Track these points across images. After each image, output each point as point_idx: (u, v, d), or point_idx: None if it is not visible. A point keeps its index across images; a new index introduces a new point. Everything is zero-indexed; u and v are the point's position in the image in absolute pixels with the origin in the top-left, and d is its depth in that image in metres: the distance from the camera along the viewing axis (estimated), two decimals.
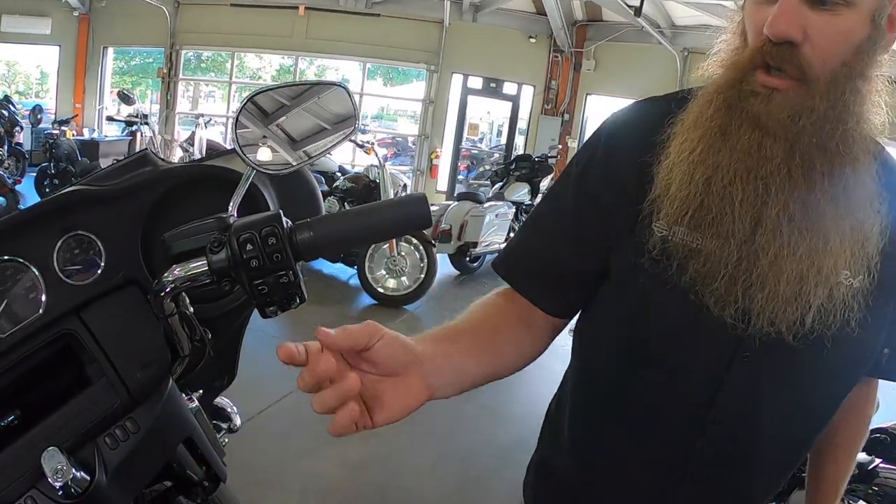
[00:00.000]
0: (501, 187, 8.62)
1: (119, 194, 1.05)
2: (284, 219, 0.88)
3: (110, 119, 10.14)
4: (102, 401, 0.96)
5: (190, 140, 9.99)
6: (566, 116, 10.97)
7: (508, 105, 12.22)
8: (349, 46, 11.70)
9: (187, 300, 1.01)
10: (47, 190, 8.55)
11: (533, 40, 10.78)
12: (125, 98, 9.11)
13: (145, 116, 9.19)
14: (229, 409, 1.48)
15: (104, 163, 9.34)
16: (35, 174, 8.86)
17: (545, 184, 8.97)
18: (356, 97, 1.17)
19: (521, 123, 12.09)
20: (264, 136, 1.07)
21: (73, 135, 9.86)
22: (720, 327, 0.93)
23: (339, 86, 1.11)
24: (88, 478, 0.89)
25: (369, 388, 0.83)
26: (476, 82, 12.00)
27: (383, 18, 11.38)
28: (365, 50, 11.93)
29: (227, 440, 1.45)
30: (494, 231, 7.44)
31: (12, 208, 5.46)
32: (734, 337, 0.94)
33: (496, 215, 7.53)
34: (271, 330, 4.81)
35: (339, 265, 6.90)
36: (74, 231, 1.01)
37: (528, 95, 11.63)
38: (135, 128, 9.51)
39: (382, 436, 3.80)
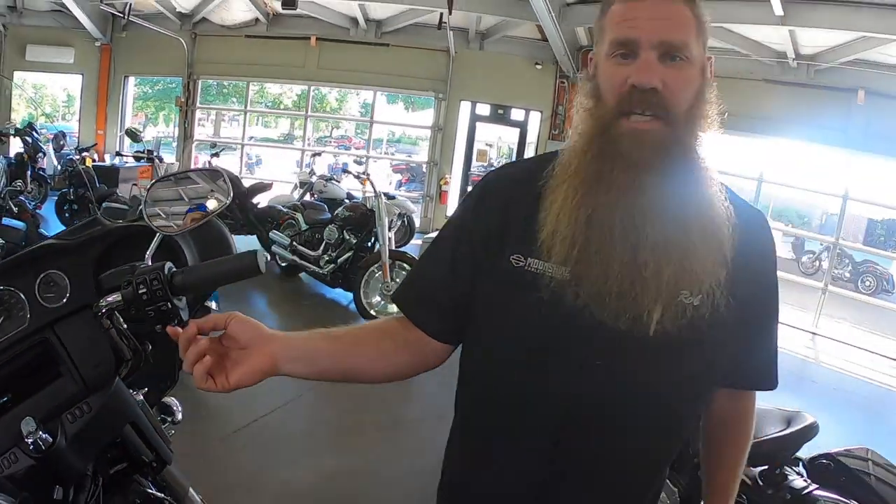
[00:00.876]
0: None
1: (78, 246, 1.45)
2: (168, 266, 1.32)
3: (118, 154, 10.50)
4: (67, 388, 1.35)
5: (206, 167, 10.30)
6: None
7: (516, 131, 12.36)
8: (359, 76, 12.01)
9: (120, 319, 1.39)
10: (66, 215, 8.84)
11: (539, 67, 10.87)
12: (133, 135, 9.53)
13: (150, 152, 9.52)
14: (174, 407, 1.80)
15: (124, 187, 9.67)
16: (56, 199, 9.17)
17: None
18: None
19: (530, 149, 12.19)
20: (165, 209, 1.47)
21: (93, 161, 10.23)
22: (583, 333, 1.15)
23: (219, 171, 1.53)
24: (52, 439, 1.26)
25: (231, 357, 1.19)
26: (484, 109, 12.13)
27: (392, 48, 11.64)
28: (375, 79, 12.21)
29: (173, 431, 1.78)
30: None
31: (32, 233, 5.70)
32: (595, 340, 1.15)
33: None
34: None
35: (339, 290, 7.14)
36: (50, 270, 1.40)
37: (535, 121, 11.68)
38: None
39: (357, 450, 4.06)
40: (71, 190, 9.10)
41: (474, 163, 12.82)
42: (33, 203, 8.71)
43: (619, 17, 1.15)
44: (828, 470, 2.47)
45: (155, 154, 10.81)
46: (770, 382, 1.36)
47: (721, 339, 1.19)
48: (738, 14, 7.64)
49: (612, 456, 1.24)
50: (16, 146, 10.85)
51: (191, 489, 1.74)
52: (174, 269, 1.33)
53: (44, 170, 10.50)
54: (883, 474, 2.41)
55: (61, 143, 11.19)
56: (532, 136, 11.94)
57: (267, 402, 4.62)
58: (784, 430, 2.51)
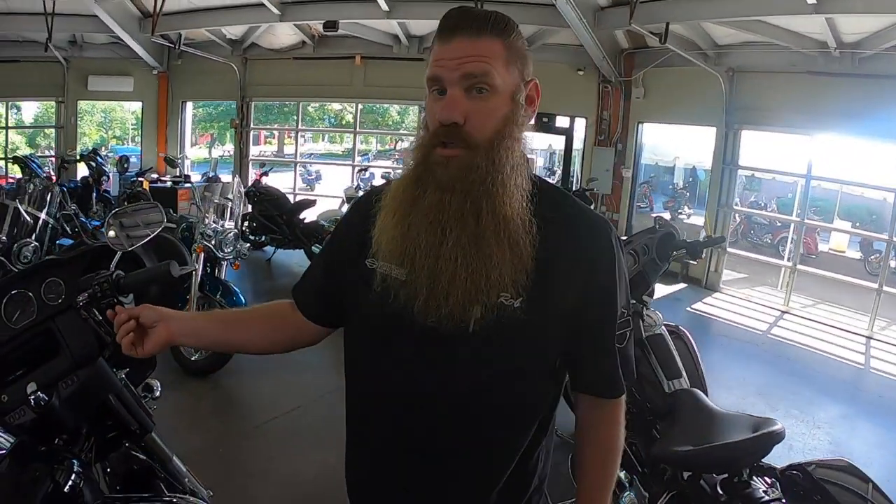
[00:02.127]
0: None
1: (70, 259, 1.93)
2: (117, 273, 1.81)
3: (156, 181, 10.99)
4: (62, 364, 1.80)
5: (254, 184, 10.74)
6: (619, 146, 10.91)
7: (562, 139, 12.29)
8: (404, 91, 12.13)
9: (96, 312, 1.83)
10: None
11: (581, 73, 10.76)
12: (171, 162, 10.08)
13: (187, 177, 9.96)
14: (154, 387, 2.23)
15: (182, 206, 10.15)
16: None
17: None
18: None
19: (577, 156, 12.13)
20: (122, 231, 2.01)
21: (151, 183, 10.73)
22: (415, 330, 1.32)
23: (157, 205, 2.14)
24: (47, 399, 1.71)
25: (144, 332, 1.58)
26: None
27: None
28: (419, 93, 12.07)
29: (155, 406, 2.18)
30: None
31: None
32: (425, 336, 1.32)
33: None
34: (303, 356, 5.43)
35: None
36: (51, 278, 1.87)
37: (581, 128, 11.54)
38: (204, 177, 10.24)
39: None
40: None
41: None
42: (99, 222, 9.16)
43: (434, 57, 1.32)
44: (795, 481, 2.37)
45: (212, 174, 11.31)
46: (611, 390, 1.46)
47: (543, 337, 1.36)
48: (769, 5, 7.46)
49: (456, 444, 1.39)
50: (84, 170, 11.46)
51: (175, 457, 2.18)
52: (121, 275, 1.82)
53: (108, 191, 11.06)
54: (859, 488, 2.27)
55: (125, 166, 11.77)
56: (578, 143, 11.86)
57: (287, 402, 4.95)
58: (744, 436, 2.42)
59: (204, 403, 5.09)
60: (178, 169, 10.25)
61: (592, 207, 9.23)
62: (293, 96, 13.97)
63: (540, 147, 16.89)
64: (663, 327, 3.24)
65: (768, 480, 2.49)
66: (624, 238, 3.18)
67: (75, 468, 1.67)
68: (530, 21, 10.02)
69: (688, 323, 7.91)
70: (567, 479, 3.32)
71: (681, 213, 15.56)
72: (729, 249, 9.99)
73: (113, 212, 2.11)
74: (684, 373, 2.99)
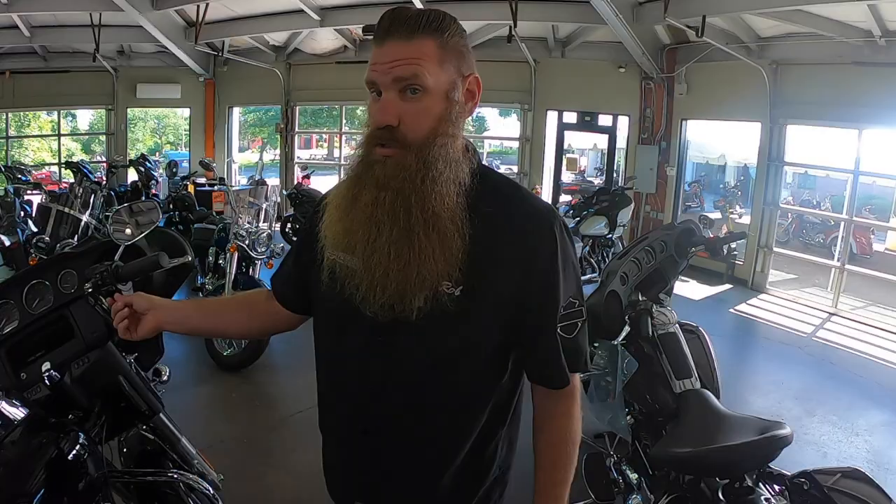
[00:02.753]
0: (578, 222, 8.72)
1: (82, 253, 2.18)
2: (116, 263, 2.02)
3: (202, 185, 11.24)
4: (74, 346, 2.02)
5: (296, 187, 10.89)
6: (663, 144, 10.68)
7: (605, 137, 12.15)
8: None
9: (102, 300, 2.02)
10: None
11: (623, 70, 10.58)
12: (206, 166, 10.35)
13: (222, 180, 10.21)
14: (163, 372, 2.38)
15: (227, 209, 10.36)
16: (164, 220, 9.93)
17: (624, 216, 8.95)
18: None
19: (620, 154, 11.95)
20: (126, 223, 2.18)
21: (196, 186, 10.99)
22: (364, 319, 1.40)
23: (155, 204, 2.28)
24: (59, 377, 1.92)
25: (138, 319, 1.72)
26: (571, 117, 11.96)
27: (475, 63, 11.64)
28: None
29: (163, 389, 2.35)
30: None
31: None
32: (373, 324, 1.40)
33: None
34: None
35: None
36: (66, 269, 2.10)
37: (624, 126, 11.39)
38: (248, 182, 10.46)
39: None
40: (176, 213, 9.86)
41: (564, 171, 12.72)
42: None
43: (371, 60, 1.37)
44: (802, 489, 2.30)
45: (258, 177, 11.50)
46: (554, 379, 1.49)
47: (479, 324, 1.40)
48: None
49: (406, 428, 1.48)
50: (134, 175, 11.81)
51: (184, 440, 2.35)
52: (119, 265, 2.02)
53: (157, 195, 11.33)
54: (871, 498, 2.20)
55: (174, 170, 12.05)
56: (622, 142, 11.70)
57: (312, 398, 4.88)
58: (746, 438, 2.34)
59: (234, 396, 5.26)
60: (213, 172, 10.44)
61: (633, 207, 9.20)
62: (336, 100, 14.10)
63: (585, 146, 16.71)
64: (677, 326, 3.16)
65: (777, 488, 2.40)
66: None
67: (81, 440, 1.83)
68: (567, 19, 9.96)
69: (730, 325, 7.85)
70: (580, 479, 3.30)
71: (732, 213, 15.18)
72: (776, 249, 9.69)
73: (115, 210, 2.27)
74: (695, 373, 2.90)
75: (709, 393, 2.80)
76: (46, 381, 1.93)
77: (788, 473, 2.41)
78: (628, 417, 3.09)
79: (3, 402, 1.78)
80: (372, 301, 1.37)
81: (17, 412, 1.80)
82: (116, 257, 2.07)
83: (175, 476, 2.23)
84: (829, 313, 8.38)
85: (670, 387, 2.89)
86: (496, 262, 1.38)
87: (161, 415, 2.25)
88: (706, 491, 2.44)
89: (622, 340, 2.96)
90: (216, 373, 5.58)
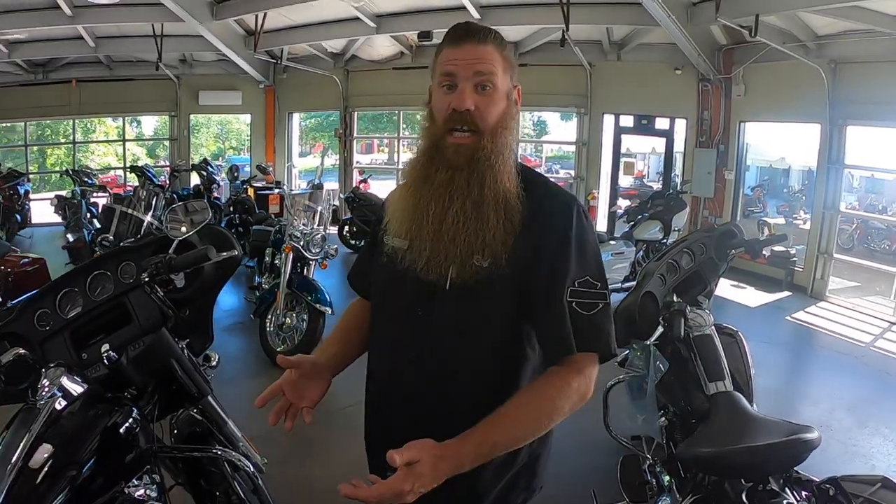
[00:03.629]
0: (632, 227, 8.66)
1: (141, 246, 2.35)
2: (169, 256, 2.19)
3: (262, 188, 11.52)
4: (132, 331, 2.20)
5: (353, 191, 11.09)
6: (721, 147, 10.44)
7: (663, 141, 11.97)
8: None
9: (158, 289, 2.19)
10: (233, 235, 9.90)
11: (679, 72, 10.45)
12: (263, 170, 10.65)
13: (279, 183, 10.45)
14: (213, 358, 2.53)
15: (272, 210, 10.72)
16: (225, 223, 10.24)
17: (679, 220, 8.84)
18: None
19: (678, 158, 11.74)
20: (180, 221, 2.32)
21: (256, 190, 11.31)
22: (421, 287, 1.60)
23: (205, 203, 2.40)
24: (117, 357, 2.10)
25: (298, 389, 1.79)
26: (628, 120, 11.86)
27: (531, 67, 11.53)
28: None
29: (211, 374, 2.47)
30: (612, 270, 7.54)
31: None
32: (428, 292, 1.61)
33: (612, 255, 7.67)
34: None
35: None
36: (125, 261, 2.27)
37: (681, 129, 11.19)
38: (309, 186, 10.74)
39: None
40: (236, 215, 10.15)
41: (622, 175, 12.58)
42: None
43: (446, 58, 1.59)
44: (827, 495, 2.27)
45: (317, 181, 11.76)
46: (557, 348, 1.59)
47: (502, 290, 1.58)
48: None
49: (444, 391, 1.63)
50: (197, 179, 12.19)
51: (230, 422, 2.46)
52: (172, 257, 2.19)
53: (219, 198, 11.66)
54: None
55: (235, 174, 12.39)
56: (679, 145, 11.52)
57: (360, 393, 4.99)
58: (770, 440, 2.32)
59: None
60: (271, 176, 10.74)
61: (688, 211, 9.06)
62: (394, 105, 14.32)
63: (643, 150, 16.50)
64: (712, 328, 3.15)
65: (804, 494, 2.38)
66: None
67: (133, 414, 1.97)
68: (621, 21, 9.89)
69: (787, 333, 7.69)
70: (617, 482, 3.31)
71: (796, 218, 14.78)
72: (837, 255, 9.43)
73: (171, 208, 2.45)
74: (728, 375, 2.89)
75: (740, 396, 2.80)
76: (105, 361, 2.12)
77: (816, 479, 2.39)
78: (662, 419, 3.10)
79: (65, 378, 1.90)
80: (432, 268, 1.58)
81: (77, 388, 1.92)
82: (171, 251, 2.25)
83: (220, 453, 2.36)
84: (891, 323, 8.12)
85: (703, 388, 2.89)
86: (518, 236, 1.56)
87: (209, 397, 2.39)
88: (730, 493, 2.44)
89: (655, 341, 2.97)
90: (269, 368, 5.74)
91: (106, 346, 2.15)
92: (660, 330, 2.98)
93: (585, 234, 1.61)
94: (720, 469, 2.46)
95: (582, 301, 1.56)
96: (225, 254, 2.33)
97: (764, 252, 3.57)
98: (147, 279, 2.18)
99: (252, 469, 2.43)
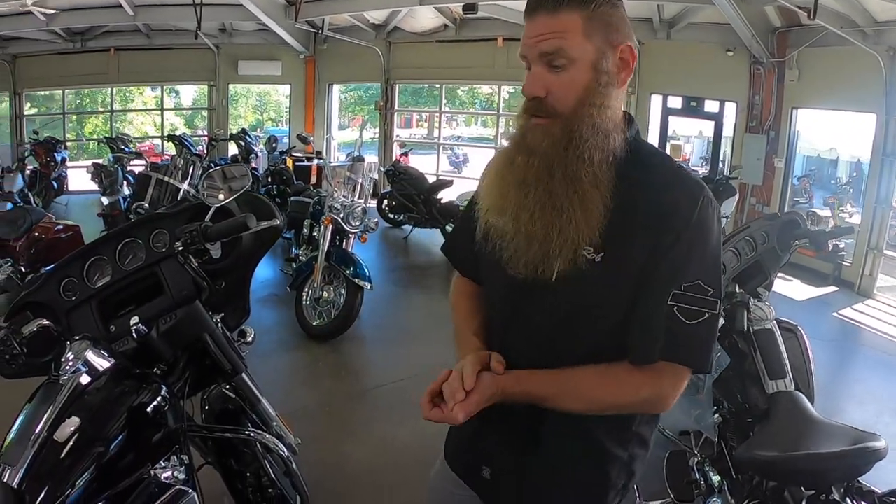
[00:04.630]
0: None
1: (175, 213, 2.26)
2: (205, 224, 2.06)
3: (300, 159, 11.48)
4: (163, 303, 2.11)
5: (394, 164, 11.04)
6: (772, 133, 10.07)
7: (711, 124, 11.62)
8: None
9: (192, 259, 2.07)
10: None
11: (731, 53, 10.02)
12: (303, 139, 10.58)
13: (319, 154, 10.38)
14: (248, 333, 2.43)
15: (325, 185, 10.61)
16: (263, 193, 10.21)
17: (727, 206, 8.57)
18: None
19: (726, 143, 11.40)
20: (217, 188, 2.20)
21: (294, 161, 11.26)
22: (508, 278, 1.47)
23: (245, 168, 2.33)
24: (147, 331, 2.03)
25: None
26: (676, 101, 11.52)
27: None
28: None
29: (246, 351, 2.38)
30: None
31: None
32: (514, 283, 1.46)
33: None
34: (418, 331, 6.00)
35: None
36: (158, 229, 2.17)
37: (731, 112, 10.81)
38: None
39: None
40: (274, 186, 10.12)
41: None
42: None
43: (522, 36, 1.42)
44: None
45: (356, 153, 11.71)
46: (637, 350, 1.41)
47: (616, 291, 1.40)
48: None
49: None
50: (235, 149, 12.19)
51: (264, 401, 2.39)
52: (208, 225, 2.05)
53: (257, 169, 11.65)
54: None
55: (273, 145, 12.37)
56: (728, 129, 11.17)
57: (396, 372, 5.15)
58: (837, 448, 2.19)
59: (320, 365, 5.42)
60: (311, 146, 10.67)
61: (737, 197, 8.76)
62: (436, 79, 14.13)
63: (690, 133, 16.14)
64: (774, 323, 2.99)
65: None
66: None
67: (163, 392, 1.88)
68: None
69: (832, 329, 7.44)
70: (661, 478, 3.18)
71: (842, 211, 14.33)
72: (887, 252, 9.07)
73: (208, 173, 2.32)
74: (790, 374, 2.73)
75: (802, 396, 2.64)
76: (134, 335, 2.03)
77: (878, 491, 2.26)
78: (716, 416, 2.96)
79: (91, 352, 1.79)
80: (517, 260, 1.44)
81: (103, 363, 1.82)
82: (206, 218, 2.13)
83: (252, 435, 2.28)
84: None
85: (762, 386, 2.74)
86: (635, 230, 1.38)
87: (243, 375, 2.31)
88: (789, 501, 2.31)
89: None
90: (304, 342, 5.73)
91: (135, 319, 2.06)
92: (720, 322, 2.82)
93: (707, 230, 1.38)
94: (782, 475, 2.32)
95: (686, 307, 1.36)
96: (265, 223, 2.21)
97: (829, 244, 3.36)
98: (181, 248, 2.06)
99: (286, 452, 2.35)
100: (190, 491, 1.79)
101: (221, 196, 2.19)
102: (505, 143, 1.53)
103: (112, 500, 1.67)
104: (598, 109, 1.39)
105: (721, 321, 2.84)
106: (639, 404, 1.46)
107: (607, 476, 1.52)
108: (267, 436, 2.30)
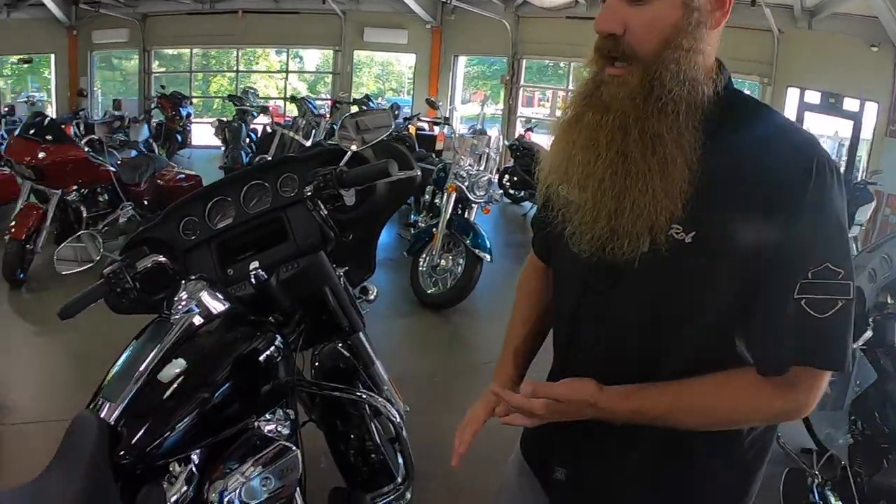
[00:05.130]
0: None
1: (306, 158, 2.17)
2: (340, 168, 1.95)
3: (421, 128, 11.53)
4: (286, 250, 2.02)
5: (518, 139, 11.07)
6: None
7: (849, 124, 10.85)
8: None
9: (321, 206, 1.98)
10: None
11: (875, 49, 9.20)
12: (431, 104, 10.70)
13: (447, 119, 10.41)
14: (371, 291, 2.34)
15: (447, 155, 10.76)
16: None
17: (862, 213, 8.05)
18: None
19: (864, 146, 10.50)
20: (350, 139, 2.06)
21: (418, 130, 11.37)
22: (577, 261, 1.24)
23: (384, 109, 2.61)
24: (266, 277, 1.94)
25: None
26: (814, 97, 10.77)
27: None
28: None
29: (367, 309, 2.29)
30: None
31: None
32: (586, 268, 1.24)
33: None
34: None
35: None
36: (287, 173, 2.09)
37: (871, 113, 9.93)
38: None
39: None
40: None
41: None
42: None
43: None
44: None
45: (479, 126, 11.77)
46: (767, 366, 1.16)
47: (715, 280, 1.15)
48: None
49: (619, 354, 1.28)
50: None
51: (378, 364, 2.27)
52: (343, 170, 1.95)
53: None
54: None
55: (395, 112, 12.53)
56: (867, 132, 10.42)
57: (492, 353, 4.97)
58: None
59: (432, 334, 5.39)
60: (437, 111, 10.72)
61: (874, 205, 8.19)
62: (563, 56, 13.78)
63: (824, 133, 15.28)
64: None
65: None
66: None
67: (276, 342, 1.76)
68: None
69: None
70: (775, 495, 3.01)
71: None
72: None
73: (347, 115, 2.18)
74: None
75: None
76: (252, 280, 1.95)
77: None
78: (847, 436, 2.75)
79: (206, 293, 1.72)
80: (580, 236, 1.21)
81: (218, 305, 1.73)
82: (342, 163, 2.00)
83: (364, 396, 2.18)
84: None
85: None
86: (736, 203, 1.11)
87: (360, 334, 2.19)
88: None
89: (861, 345, 2.66)
90: (417, 309, 5.70)
91: (255, 264, 1.97)
92: (868, 334, 2.66)
93: (829, 197, 1.10)
94: None
95: (815, 298, 1.09)
96: (408, 172, 2.06)
97: None
98: (311, 192, 1.95)
99: (397, 417, 2.24)
100: (293, 448, 1.67)
101: (354, 147, 2.05)
102: (573, 93, 1.26)
103: (212, 448, 1.60)
104: (685, 54, 1.12)
105: (868, 333, 2.68)
106: (771, 418, 1.24)
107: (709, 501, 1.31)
108: (379, 398, 2.19)
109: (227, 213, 2.09)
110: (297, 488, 1.73)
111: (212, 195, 2.11)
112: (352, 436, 2.31)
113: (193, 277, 1.78)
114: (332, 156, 2.10)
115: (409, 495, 2.37)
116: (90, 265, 2.01)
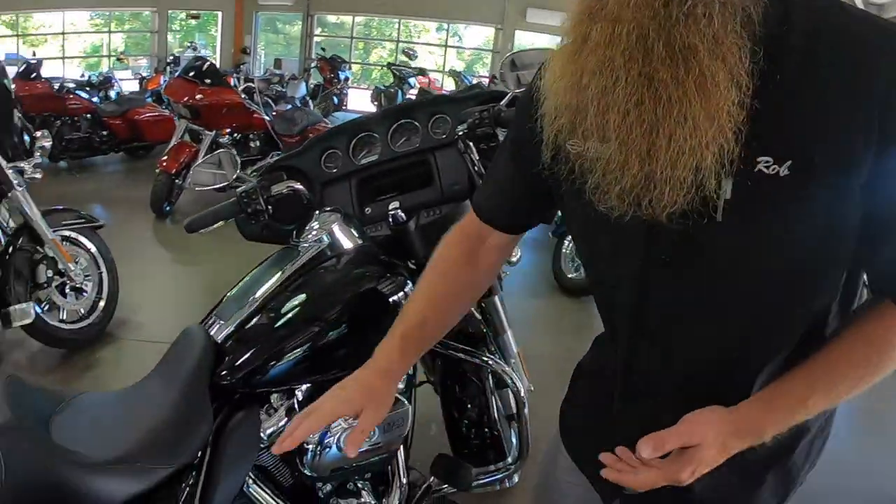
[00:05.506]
0: None
1: (462, 98, 2.03)
2: (499, 107, 1.78)
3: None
4: (430, 194, 1.92)
5: None
6: None
7: None
8: None
9: (473, 150, 1.82)
10: None
11: None
12: None
13: None
14: (515, 252, 2.02)
15: None
16: None
17: None
18: None
19: None
20: (509, 73, 1.89)
21: None
22: (628, 224, 0.92)
23: (542, 48, 2.04)
24: (405, 219, 1.85)
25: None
26: None
27: None
28: None
29: (507, 272, 2.17)
30: None
31: None
32: (642, 230, 0.94)
33: None
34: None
35: None
36: (440, 114, 1.95)
37: None
38: None
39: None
40: None
41: None
42: None
43: None
44: None
45: None
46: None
47: (825, 220, 0.87)
48: None
49: (693, 386, 1.04)
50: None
51: (509, 333, 2.10)
52: (502, 109, 1.77)
53: None
54: None
55: None
56: None
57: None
58: None
59: (565, 319, 5.15)
60: None
61: None
62: None
63: None
64: None
65: None
66: None
67: (406, 289, 1.61)
68: None
69: None
70: None
71: None
72: None
73: (509, 54, 2.00)
74: None
75: None
76: (390, 221, 1.87)
77: None
78: None
79: (338, 226, 1.65)
80: (605, 188, 0.90)
81: (348, 242, 1.65)
82: (502, 103, 1.84)
83: (490, 362, 1.97)
84: None
85: None
86: (826, 119, 0.83)
87: (496, 297, 2.05)
88: None
89: None
90: (554, 292, 5.52)
91: (395, 204, 1.88)
92: None
93: None
94: None
95: None
96: None
97: None
98: (464, 132, 1.80)
99: (522, 392, 2.03)
100: (406, 403, 1.57)
101: (513, 87, 1.88)
102: (571, 12, 0.89)
103: (318, 386, 1.48)
104: None
105: None
106: None
107: None
108: (505, 367, 2.00)
109: (373, 150, 1.98)
110: (402, 447, 1.65)
111: (357, 131, 1.99)
112: (469, 405, 2.13)
113: (329, 209, 1.73)
114: (489, 97, 1.98)
115: (516, 478, 2.14)
116: (225, 184, 2.05)
